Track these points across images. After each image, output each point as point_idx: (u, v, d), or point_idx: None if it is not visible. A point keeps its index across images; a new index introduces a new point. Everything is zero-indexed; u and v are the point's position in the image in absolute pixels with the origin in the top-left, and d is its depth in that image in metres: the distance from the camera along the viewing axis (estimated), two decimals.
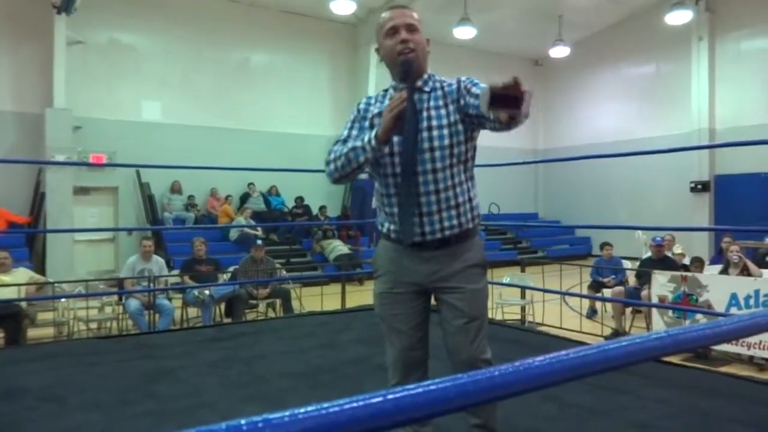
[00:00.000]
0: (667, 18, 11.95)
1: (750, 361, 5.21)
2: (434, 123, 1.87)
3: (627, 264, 8.06)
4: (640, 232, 10.41)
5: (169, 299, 6.50)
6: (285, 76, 13.02)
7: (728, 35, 12.72)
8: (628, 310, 6.69)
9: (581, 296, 7.19)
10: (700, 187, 12.90)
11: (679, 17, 11.86)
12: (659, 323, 5.76)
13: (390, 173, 1.91)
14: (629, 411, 2.82)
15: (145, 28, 11.45)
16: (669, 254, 7.36)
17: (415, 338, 1.97)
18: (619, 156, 5.55)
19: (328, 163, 1.92)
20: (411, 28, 1.88)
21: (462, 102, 1.87)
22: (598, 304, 7.51)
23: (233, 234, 10.79)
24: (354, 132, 1.96)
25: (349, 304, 6.54)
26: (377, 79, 13.38)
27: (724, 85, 12.83)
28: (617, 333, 6.37)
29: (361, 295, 7.21)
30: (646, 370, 3.57)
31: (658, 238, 6.88)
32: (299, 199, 12.32)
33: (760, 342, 4.92)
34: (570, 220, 15.41)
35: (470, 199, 1.96)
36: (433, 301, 2.07)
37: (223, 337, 4.34)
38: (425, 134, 1.86)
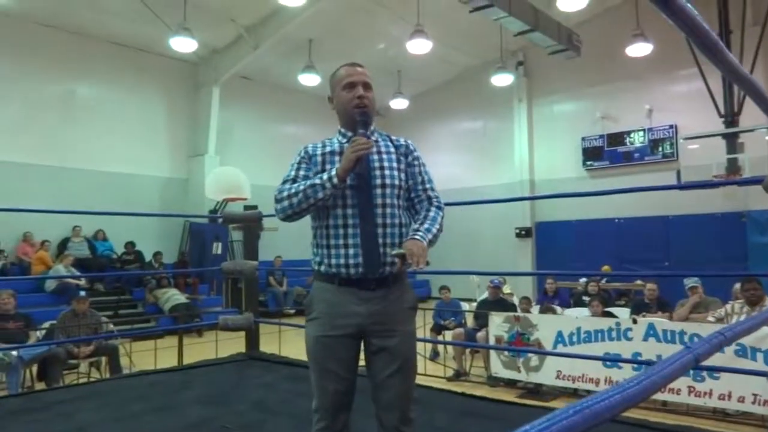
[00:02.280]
0: (492, 79, 13.19)
1: (575, 393, 5.68)
2: (386, 164, 2.02)
3: (465, 306, 8.47)
4: (474, 275, 11.09)
5: None
6: (117, 111, 12.07)
7: (543, 98, 14.39)
8: (468, 350, 7.01)
9: (423, 341, 7.38)
10: (524, 232, 14.19)
11: (502, 80, 13.15)
12: (496, 362, 6.09)
13: (340, 205, 1.97)
14: None
15: None
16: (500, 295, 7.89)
17: (348, 382, 1.99)
18: (454, 204, 5.85)
19: (280, 200, 1.98)
20: (367, 86, 2.06)
21: (407, 161, 2.09)
22: (440, 346, 7.77)
23: (50, 284, 9.58)
24: (302, 172, 2.04)
25: (187, 360, 6.03)
26: (220, 121, 13.01)
27: (541, 141, 14.42)
28: (458, 374, 6.62)
29: (201, 349, 6.72)
30: (490, 411, 3.71)
31: (496, 281, 7.33)
32: (130, 245, 11.34)
33: (583, 375, 5.40)
34: None
35: None
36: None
37: (35, 408, 3.73)
38: (378, 172, 2.00)
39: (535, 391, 5.85)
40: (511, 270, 14.25)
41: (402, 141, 2.14)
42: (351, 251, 1.95)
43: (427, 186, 2.09)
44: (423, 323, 7.87)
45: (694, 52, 9.94)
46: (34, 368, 5.94)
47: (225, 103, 13.16)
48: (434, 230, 1.96)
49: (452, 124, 16.18)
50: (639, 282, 9.02)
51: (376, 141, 2.07)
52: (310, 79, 12.73)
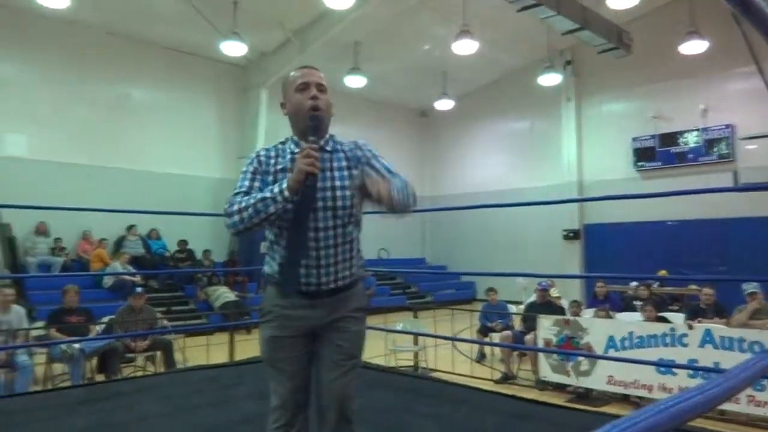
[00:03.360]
0: (539, 79, 13.01)
1: (626, 399, 5.56)
2: (338, 183, 1.95)
3: (512, 308, 8.39)
4: (520, 277, 10.95)
5: (31, 355, 5.79)
6: (169, 114, 12.48)
7: (592, 98, 14.09)
8: (516, 353, 6.93)
9: (471, 342, 7.35)
10: (572, 235, 13.93)
11: (550, 79, 12.95)
12: (545, 366, 6.01)
13: (285, 226, 1.94)
14: None
15: (9, 54, 10.54)
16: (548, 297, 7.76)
17: (302, 380, 2.02)
18: (500, 206, 5.84)
19: (230, 214, 1.89)
20: (321, 88, 2.00)
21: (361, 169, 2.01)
22: (487, 349, 7.71)
23: (107, 281, 9.96)
24: (256, 184, 1.96)
25: (238, 356, 6.18)
26: (267, 123, 13.26)
27: (590, 142, 14.12)
28: (506, 377, 6.56)
29: (251, 345, 6.84)
30: (540, 414, 3.67)
31: (544, 283, 7.23)
32: (183, 243, 11.68)
33: (635, 381, 5.28)
34: (454, 264, 15.94)
35: (358, 252, 2.07)
36: None
37: (96, 398, 3.90)
38: (329, 193, 1.93)
39: (585, 396, 5.75)
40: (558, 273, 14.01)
41: (353, 147, 2.05)
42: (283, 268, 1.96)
43: (386, 174, 1.95)
44: (470, 325, 7.85)
45: (752, 49, 9.57)
46: (94, 361, 6.19)
47: (272, 105, 13.38)
48: (402, 182, 1.84)
49: (498, 124, 16.03)
50: (693, 286, 8.73)
51: (330, 152, 2.00)
52: (355, 81, 12.84)
